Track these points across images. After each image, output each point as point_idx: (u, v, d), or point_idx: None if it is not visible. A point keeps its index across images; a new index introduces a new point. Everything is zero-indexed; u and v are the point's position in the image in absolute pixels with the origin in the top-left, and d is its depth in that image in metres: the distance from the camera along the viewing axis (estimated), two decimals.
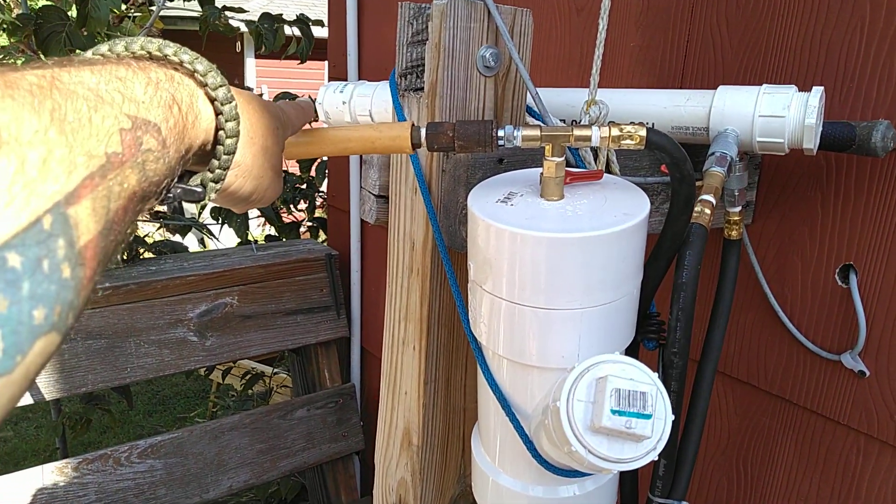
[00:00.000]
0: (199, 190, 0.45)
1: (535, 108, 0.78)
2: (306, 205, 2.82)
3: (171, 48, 0.41)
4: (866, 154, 0.80)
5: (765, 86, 0.78)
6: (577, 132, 0.61)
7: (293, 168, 2.89)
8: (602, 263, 0.61)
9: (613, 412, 0.52)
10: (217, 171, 0.45)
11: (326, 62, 2.11)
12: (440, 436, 0.86)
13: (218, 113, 0.43)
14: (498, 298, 0.65)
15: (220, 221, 2.54)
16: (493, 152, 0.69)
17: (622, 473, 0.85)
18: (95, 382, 1.57)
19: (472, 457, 0.81)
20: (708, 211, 0.69)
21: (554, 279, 0.61)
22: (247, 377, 2.63)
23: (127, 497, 1.55)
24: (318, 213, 2.83)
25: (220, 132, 0.44)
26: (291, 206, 2.81)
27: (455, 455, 0.88)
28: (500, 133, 0.62)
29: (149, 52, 0.41)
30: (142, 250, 1.88)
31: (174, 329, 1.68)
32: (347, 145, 0.62)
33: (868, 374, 0.90)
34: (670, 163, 0.63)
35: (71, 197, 0.28)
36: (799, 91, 0.76)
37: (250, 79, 8.17)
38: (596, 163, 0.80)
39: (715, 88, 0.82)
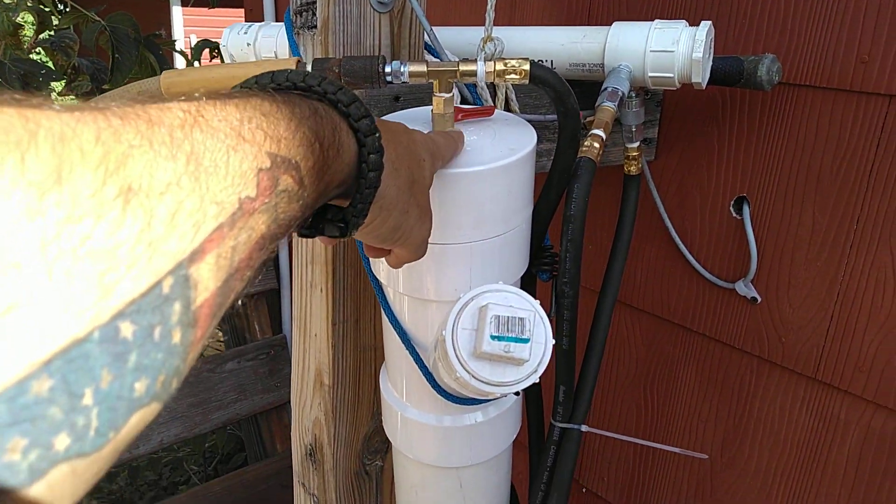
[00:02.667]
0: (341, 226, 0.43)
1: (433, 46, 0.77)
2: None
3: (315, 79, 0.40)
4: (753, 87, 0.83)
5: (656, 21, 0.80)
6: (462, 67, 0.62)
7: None
8: (489, 197, 0.62)
9: (493, 338, 0.54)
10: (359, 205, 0.43)
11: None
12: (351, 375, 0.87)
13: (361, 145, 0.41)
14: None
15: None
16: (383, 88, 0.69)
17: (527, 400, 0.89)
18: None
19: (380, 393, 0.83)
20: (597, 145, 0.71)
21: (444, 214, 0.62)
22: None
23: None
24: None
25: (363, 165, 0.41)
26: None
27: (367, 393, 0.90)
28: (388, 69, 0.62)
29: (293, 83, 0.39)
30: None
31: None
32: (232, 83, 0.61)
33: (759, 300, 0.95)
34: (554, 97, 0.64)
35: (195, 254, 0.26)
36: (689, 26, 0.78)
37: (178, 27, 7.82)
38: (495, 101, 0.81)
39: None
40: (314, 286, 0.85)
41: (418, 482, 0.82)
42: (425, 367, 0.71)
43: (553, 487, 0.83)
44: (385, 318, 0.75)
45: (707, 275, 1.00)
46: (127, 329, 0.22)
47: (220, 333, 2.64)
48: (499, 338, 0.54)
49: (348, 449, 0.91)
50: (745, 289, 0.96)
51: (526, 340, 0.54)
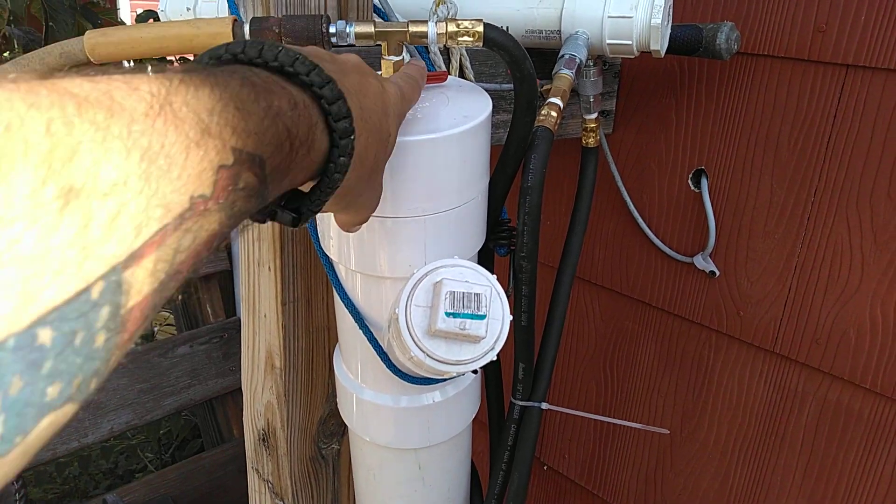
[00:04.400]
0: (293, 216, 0.41)
1: (383, 8, 0.73)
2: None
3: (304, 65, 0.36)
4: (712, 56, 0.82)
5: None
6: (413, 28, 0.58)
7: None
8: (444, 167, 0.59)
9: (448, 315, 0.51)
10: (317, 200, 0.40)
11: None
12: (304, 357, 0.84)
13: (333, 146, 0.38)
14: None
15: None
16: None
17: (486, 378, 0.87)
18: None
19: (335, 375, 0.79)
20: (554, 114, 0.68)
21: (395, 185, 0.59)
22: None
23: None
24: None
25: (331, 165, 0.38)
26: None
27: (321, 375, 0.87)
28: (332, 29, 0.58)
29: (281, 65, 0.36)
30: None
31: None
32: (162, 44, 0.56)
33: (718, 273, 0.95)
34: (510, 61, 0.61)
35: (131, 258, 0.23)
36: None
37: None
38: (449, 68, 0.77)
39: None
40: (262, 264, 0.81)
41: (376, 465, 0.79)
42: (380, 346, 0.68)
43: (514, 466, 0.81)
44: (337, 298, 0.72)
45: (665, 249, 0.99)
46: (45, 335, 0.21)
47: (171, 317, 2.56)
48: (454, 314, 0.51)
49: (303, 433, 0.87)
50: (703, 262, 0.95)
51: (482, 317, 0.52)
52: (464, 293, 0.52)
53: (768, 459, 0.95)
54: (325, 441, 0.90)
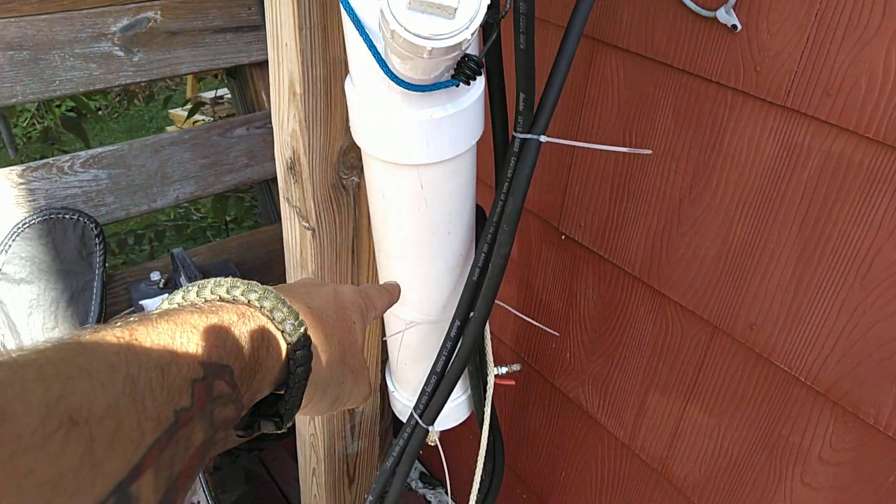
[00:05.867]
0: (277, 420, 0.45)
1: None
2: None
3: (239, 289, 0.42)
4: None
5: None
6: None
7: None
8: None
9: None
10: (291, 399, 0.44)
11: None
12: (322, 85, 0.90)
13: (287, 343, 0.43)
14: None
15: None
16: None
17: (492, 112, 0.91)
18: (25, 94, 1.59)
19: (346, 97, 0.85)
20: None
21: None
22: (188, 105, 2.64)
23: (76, 203, 1.64)
24: None
25: (291, 362, 0.43)
26: None
27: (340, 107, 0.93)
28: None
29: (219, 296, 0.41)
30: None
31: (98, 43, 1.65)
32: None
33: (739, 28, 0.93)
34: None
35: (135, 472, 0.27)
36: None
37: None
38: None
39: None
40: None
41: (383, 184, 0.87)
42: (379, 54, 0.73)
43: (510, 193, 0.87)
44: (345, 21, 0.76)
45: (689, 3, 0.97)
46: None
47: (231, 106, 2.68)
48: None
49: (324, 161, 0.96)
50: (725, 16, 0.93)
51: None
52: None
53: (768, 215, 0.98)
54: (346, 172, 0.99)
